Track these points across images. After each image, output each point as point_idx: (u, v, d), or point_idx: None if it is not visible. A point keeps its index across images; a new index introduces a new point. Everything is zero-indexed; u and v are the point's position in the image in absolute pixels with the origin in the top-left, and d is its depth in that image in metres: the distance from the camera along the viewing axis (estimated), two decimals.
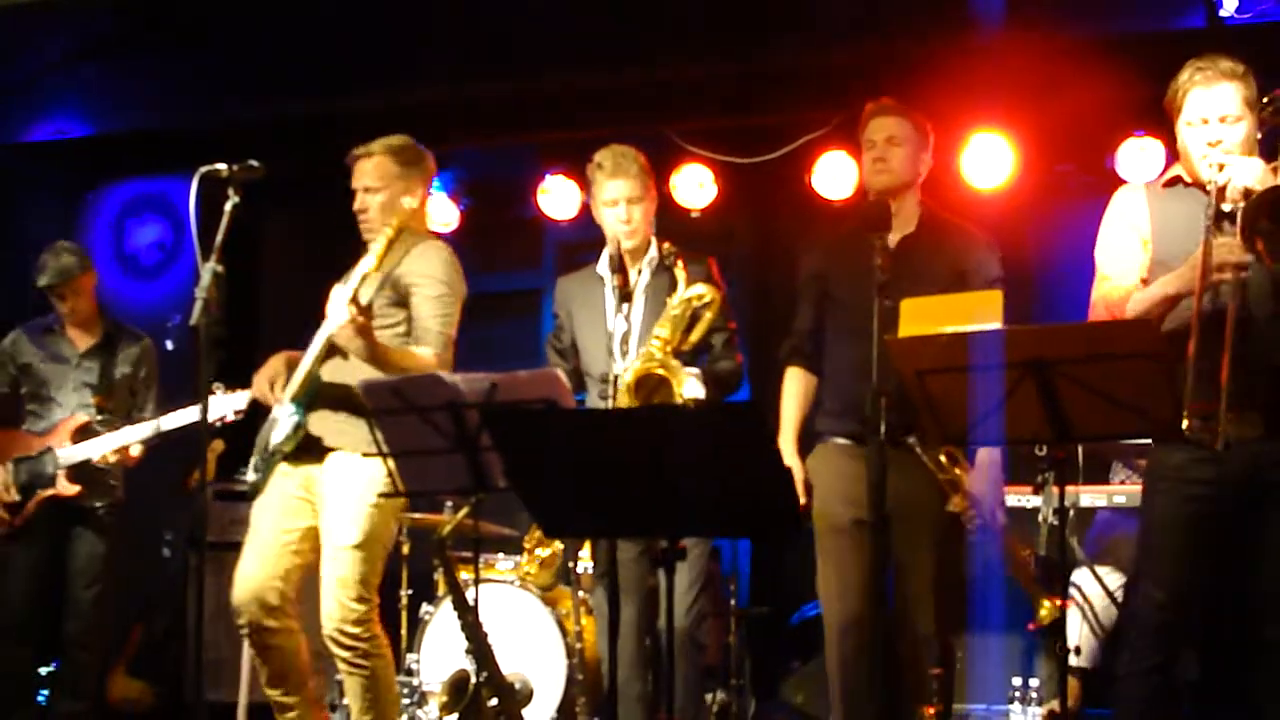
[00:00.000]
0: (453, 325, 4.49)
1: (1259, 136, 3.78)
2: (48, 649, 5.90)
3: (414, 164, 4.60)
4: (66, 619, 5.65)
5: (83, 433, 5.59)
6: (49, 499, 5.53)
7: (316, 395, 4.40)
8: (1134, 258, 3.85)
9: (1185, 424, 3.40)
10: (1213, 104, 3.72)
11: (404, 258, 4.43)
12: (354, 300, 4.15)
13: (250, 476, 4.55)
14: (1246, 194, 3.55)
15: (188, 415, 5.31)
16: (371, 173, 4.55)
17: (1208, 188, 3.65)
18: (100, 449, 5.49)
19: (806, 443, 4.47)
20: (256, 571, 4.42)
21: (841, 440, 4.37)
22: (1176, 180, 3.90)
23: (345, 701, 4.47)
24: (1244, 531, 3.74)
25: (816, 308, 4.55)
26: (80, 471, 5.53)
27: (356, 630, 4.31)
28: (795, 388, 4.55)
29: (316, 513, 4.43)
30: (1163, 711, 3.78)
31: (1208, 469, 3.68)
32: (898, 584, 4.24)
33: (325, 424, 4.41)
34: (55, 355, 5.75)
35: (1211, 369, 3.51)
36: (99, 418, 5.65)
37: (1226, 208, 3.61)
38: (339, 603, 4.30)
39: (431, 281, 4.42)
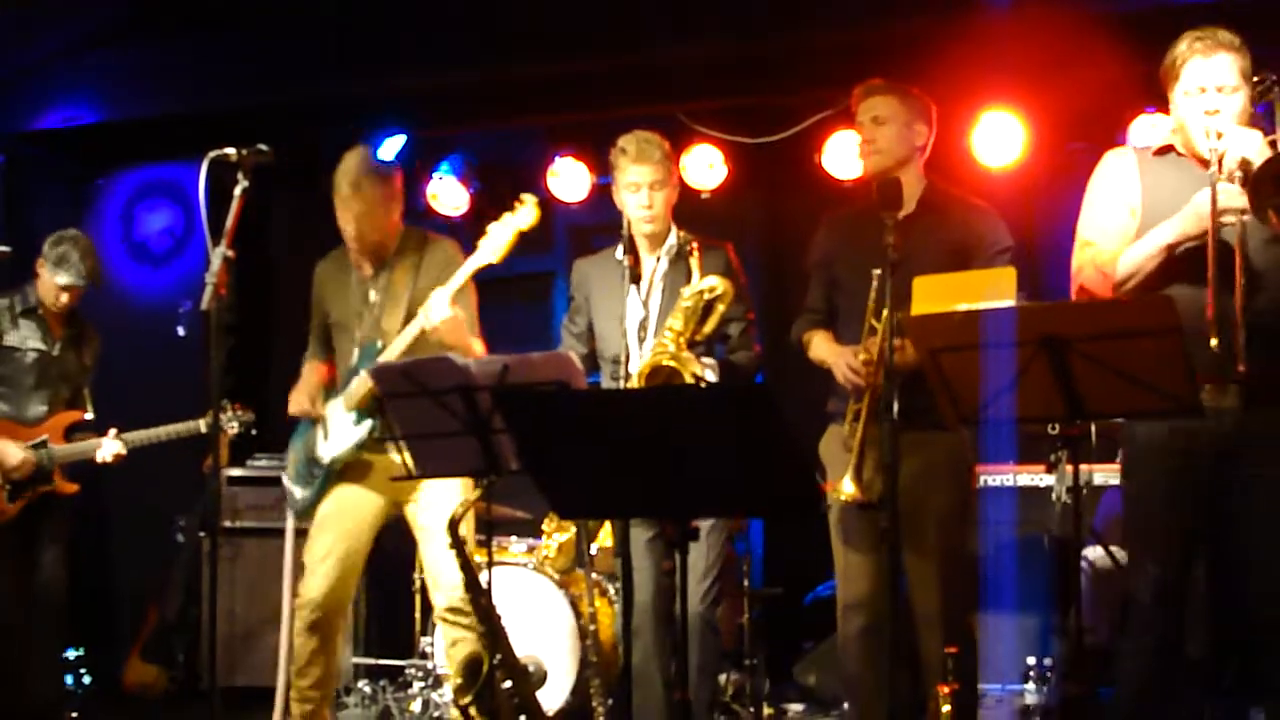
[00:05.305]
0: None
1: (1253, 110, 3.77)
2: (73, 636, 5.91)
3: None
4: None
5: (73, 429, 5.50)
6: (47, 493, 5.42)
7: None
8: (1121, 224, 3.83)
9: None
10: (1211, 74, 3.70)
11: (423, 260, 4.70)
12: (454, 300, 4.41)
13: (298, 494, 4.73)
14: (1244, 164, 3.53)
15: (195, 426, 5.34)
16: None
17: (1206, 157, 3.62)
18: (105, 453, 5.39)
19: (818, 424, 4.46)
20: (337, 571, 4.65)
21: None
22: (1168, 149, 3.87)
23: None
24: (1226, 504, 3.72)
25: (826, 291, 4.54)
26: (71, 469, 5.47)
27: None
28: (823, 334, 4.49)
29: (378, 513, 4.71)
30: (1165, 688, 3.77)
31: (1186, 440, 3.67)
32: (907, 564, 4.23)
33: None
34: (38, 340, 5.52)
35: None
36: (88, 416, 5.56)
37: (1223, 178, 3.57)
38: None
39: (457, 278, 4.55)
